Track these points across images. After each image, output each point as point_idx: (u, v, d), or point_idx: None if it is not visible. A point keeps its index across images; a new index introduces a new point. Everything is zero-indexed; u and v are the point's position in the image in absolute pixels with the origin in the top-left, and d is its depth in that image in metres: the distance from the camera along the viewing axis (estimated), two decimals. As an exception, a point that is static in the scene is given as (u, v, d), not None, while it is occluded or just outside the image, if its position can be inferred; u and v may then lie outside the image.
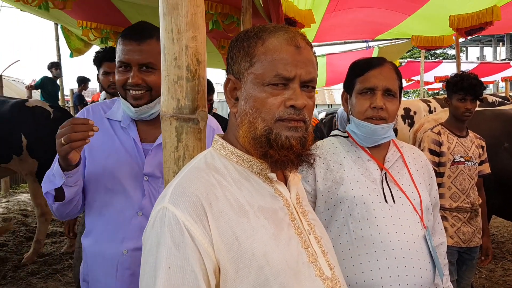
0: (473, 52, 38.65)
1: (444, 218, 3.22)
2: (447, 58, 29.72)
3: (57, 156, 1.81)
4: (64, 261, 5.48)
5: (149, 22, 1.87)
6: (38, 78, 9.64)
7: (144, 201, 1.80)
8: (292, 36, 1.15)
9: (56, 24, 8.50)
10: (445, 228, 3.15)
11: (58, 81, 9.39)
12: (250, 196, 1.13)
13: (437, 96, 8.72)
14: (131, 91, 1.78)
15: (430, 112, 6.67)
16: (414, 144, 4.46)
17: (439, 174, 3.24)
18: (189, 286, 1.00)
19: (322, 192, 1.81)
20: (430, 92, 23.09)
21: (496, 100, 7.42)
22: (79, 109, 9.23)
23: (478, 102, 3.35)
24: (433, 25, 6.65)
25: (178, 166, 1.31)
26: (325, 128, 10.08)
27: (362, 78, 1.81)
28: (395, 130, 6.38)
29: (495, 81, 19.32)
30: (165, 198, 1.08)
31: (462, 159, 3.24)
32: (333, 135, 1.98)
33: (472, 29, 5.78)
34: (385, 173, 1.81)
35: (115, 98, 2.02)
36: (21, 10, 7.07)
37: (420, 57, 13.01)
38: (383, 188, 1.77)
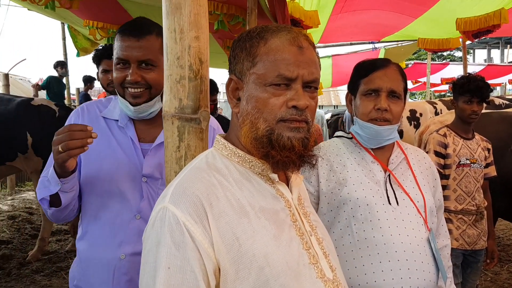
0: (480, 54, 38.49)
1: (449, 220, 3.20)
2: (454, 60, 29.60)
3: (50, 159, 1.74)
4: (68, 259, 5.50)
5: (154, 21, 1.85)
6: (45, 77, 9.68)
7: (143, 204, 1.74)
8: (294, 36, 1.14)
9: (63, 24, 8.53)
10: (450, 230, 3.13)
11: (64, 80, 9.43)
12: (251, 197, 1.13)
13: (443, 98, 8.68)
14: (129, 89, 1.72)
15: (436, 114, 6.64)
16: (419, 146, 4.44)
17: (444, 176, 3.22)
18: (188, 286, 0.99)
19: (325, 193, 1.80)
20: (436, 94, 23.01)
21: (503, 103, 7.37)
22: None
23: (484, 105, 3.33)
24: (440, 28, 6.62)
25: (180, 166, 1.31)
26: (331, 129, 10.07)
27: (367, 79, 1.80)
28: (401, 132, 6.36)
29: (503, 83, 19.21)
30: (165, 198, 1.07)
31: (468, 162, 3.22)
32: (337, 136, 1.97)
33: (479, 32, 5.75)
34: (389, 175, 1.80)
35: (111, 96, 1.95)
36: (28, 10, 7.11)
37: (426, 58, 12.95)
38: (386, 190, 1.76)
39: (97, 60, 3.65)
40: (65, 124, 1.78)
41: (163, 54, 1.67)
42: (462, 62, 7.09)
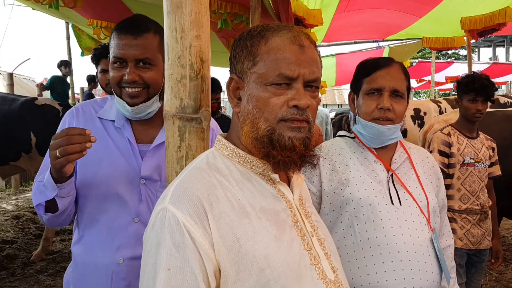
0: (485, 52, 38.31)
1: (453, 220, 3.18)
2: (458, 59, 29.51)
3: (44, 163, 1.72)
4: (72, 259, 5.50)
5: (158, 20, 1.82)
6: (49, 76, 9.70)
7: (141, 206, 1.69)
8: (295, 35, 1.13)
9: (67, 23, 8.55)
10: (455, 230, 3.12)
11: (68, 79, 9.44)
12: (252, 197, 1.12)
13: (447, 97, 8.64)
14: (127, 89, 1.67)
15: (441, 112, 6.61)
16: (423, 145, 4.42)
17: (448, 176, 3.21)
18: (189, 287, 0.99)
19: (328, 193, 1.79)
20: (441, 92, 22.93)
21: (508, 101, 7.34)
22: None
23: (489, 103, 3.31)
24: (445, 27, 6.59)
25: (181, 166, 1.30)
26: (334, 128, 10.05)
27: (369, 78, 1.78)
28: (405, 131, 6.34)
29: (508, 82, 19.12)
30: (165, 199, 1.07)
31: (472, 161, 3.20)
32: (339, 136, 1.96)
33: (484, 31, 5.71)
34: (392, 175, 1.79)
35: (106, 96, 1.89)
36: (32, 9, 7.12)
37: (431, 57, 12.91)
38: (389, 190, 1.75)
39: (95, 59, 3.64)
40: (59, 126, 1.78)
41: (161, 52, 1.66)
42: (467, 61, 7.05)
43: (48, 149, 1.48)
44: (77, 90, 10.89)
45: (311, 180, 1.81)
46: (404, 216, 1.71)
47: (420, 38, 7.68)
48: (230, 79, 1.20)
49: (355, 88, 1.86)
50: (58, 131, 1.73)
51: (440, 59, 26.63)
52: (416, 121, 6.58)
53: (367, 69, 1.81)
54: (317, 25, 5.30)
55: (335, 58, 11.61)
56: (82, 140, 1.43)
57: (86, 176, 1.69)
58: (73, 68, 9.33)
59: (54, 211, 1.62)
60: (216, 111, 4.29)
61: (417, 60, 16.66)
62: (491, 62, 21.41)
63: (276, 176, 1.16)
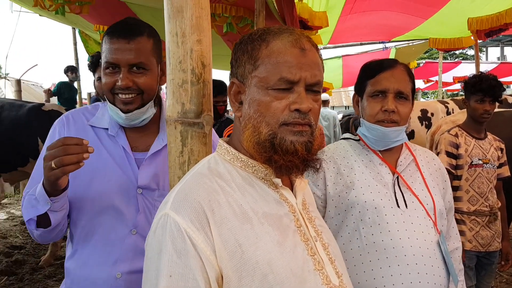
0: (493, 52, 38.05)
1: (462, 222, 3.16)
2: (466, 59, 29.35)
3: (34, 175, 1.65)
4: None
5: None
6: (57, 81, 9.75)
7: (139, 217, 1.63)
8: (296, 38, 1.12)
9: (74, 29, 8.59)
10: (463, 232, 3.09)
11: (75, 85, 9.48)
12: (254, 202, 1.11)
13: (455, 97, 8.58)
14: (120, 95, 1.60)
15: (448, 113, 6.56)
16: (431, 146, 4.39)
17: (456, 177, 3.18)
18: None
19: (333, 196, 1.77)
20: (449, 93, 22.80)
21: (516, 101, 7.27)
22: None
23: (497, 104, 3.28)
24: (451, 28, 6.55)
25: (183, 171, 1.29)
26: (342, 129, 10.01)
27: (373, 80, 1.77)
28: (412, 132, 6.29)
29: (516, 81, 18.95)
30: (167, 205, 1.06)
31: (480, 162, 3.17)
32: (344, 138, 1.95)
33: (492, 31, 5.67)
34: (397, 177, 1.77)
35: (97, 103, 1.80)
36: (39, 15, 7.17)
37: (438, 57, 12.84)
38: (395, 193, 1.73)
39: (92, 67, 3.63)
40: (49, 136, 1.72)
41: (155, 56, 1.63)
42: (474, 61, 6.99)
43: (42, 160, 1.41)
44: (84, 95, 10.94)
45: (315, 183, 1.80)
46: (410, 219, 1.69)
47: (427, 39, 7.64)
48: (231, 83, 1.19)
49: (360, 90, 1.85)
50: (47, 141, 1.72)
51: (447, 59, 26.52)
52: (424, 122, 6.54)
53: (371, 71, 1.80)
54: (322, 27, 5.29)
55: (341, 60, 11.58)
56: (79, 151, 1.36)
57: (80, 188, 1.62)
58: (80, 74, 9.36)
59: (46, 226, 1.55)
60: (222, 114, 4.29)
61: (424, 61, 16.58)
62: (499, 61, 21.25)
63: (278, 181, 1.15)
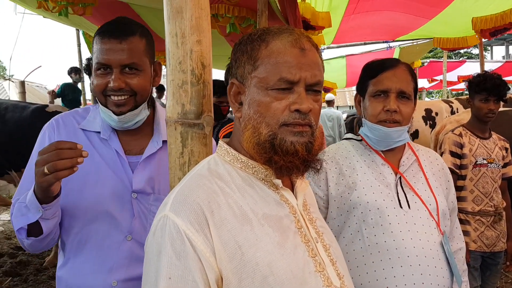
0: (498, 51, 37.86)
1: (466, 222, 3.14)
2: (471, 58, 29.21)
3: (24, 181, 1.60)
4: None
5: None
6: (61, 83, 9.77)
7: (134, 223, 1.58)
8: (296, 38, 1.11)
9: (77, 30, 8.60)
10: (468, 232, 3.07)
11: (80, 86, 9.50)
12: (254, 204, 1.10)
13: (459, 97, 8.54)
14: (112, 97, 1.55)
15: (453, 113, 6.52)
16: (436, 146, 4.37)
17: (461, 177, 3.16)
18: None
19: (335, 197, 1.76)
20: (454, 92, 22.71)
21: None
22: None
23: (501, 103, 3.25)
24: (455, 28, 6.52)
25: (184, 172, 1.29)
26: (346, 129, 10.00)
27: (375, 80, 1.76)
28: (416, 132, 6.26)
29: (521, 80, 18.85)
30: (166, 206, 1.06)
31: (485, 162, 3.15)
32: (346, 139, 1.94)
33: (496, 30, 5.64)
34: (400, 178, 1.76)
35: (88, 106, 1.75)
36: (43, 17, 7.19)
37: (443, 56, 12.78)
38: (397, 193, 1.72)
39: (89, 70, 3.63)
40: (38, 141, 1.68)
41: (147, 56, 1.60)
42: (479, 60, 6.96)
43: (32, 166, 1.36)
44: (88, 96, 10.96)
45: (318, 184, 1.79)
46: (413, 220, 1.67)
47: (431, 38, 7.61)
48: (231, 84, 1.18)
49: (361, 90, 1.83)
50: (37, 146, 1.66)
51: (452, 58, 26.41)
52: (428, 122, 6.50)
53: (372, 70, 1.78)
54: (324, 28, 5.27)
55: (345, 60, 11.54)
56: (73, 155, 1.31)
57: (72, 194, 1.56)
58: (84, 75, 9.37)
59: (38, 234, 1.48)
60: (226, 114, 4.27)
61: (428, 60, 16.52)
62: (504, 60, 21.16)
63: (278, 182, 1.14)
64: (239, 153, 1.16)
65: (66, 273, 1.60)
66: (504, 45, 35.72)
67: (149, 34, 1.65)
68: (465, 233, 3.11)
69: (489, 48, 35.21)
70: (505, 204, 3.24)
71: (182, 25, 1.28)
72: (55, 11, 5.41)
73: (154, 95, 10.65)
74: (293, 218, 1.14)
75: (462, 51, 30.35)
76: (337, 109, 11.05)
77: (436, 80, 17.03)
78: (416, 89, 1.78)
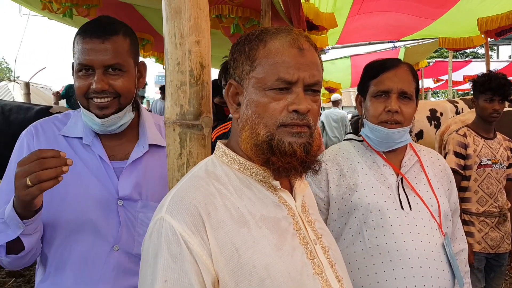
0: (505, 50, 37.65)
1: (471, 223, 3.12)
2: (477, 57, 29.07)
3: (0, 194, 1.48)
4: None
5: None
6: (66, 84, 9.80)
7: (120, 232, 1.49)
8: (295, 38, 1.10)
9: (82, 31, 8.60)
10: (472, 233, 3.05)
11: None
12: (251, 205, 1.09)
13: (464, 97, 8.49)
14: (95, 100, 1.47)
15: (457, 113, 6.48)
16: (440, 146, 4.34)
17: (465, 178, 3.14)
18: None
19: (336, 199, 1.75)
20: (460, 92, 22.61)
21: (527, 100, 7.15)
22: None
23: (506, 103, 3.23)
24: (461, 28, 6.48)
25: (182, 174, 1.28)
26: (351, 130, 9.96)
27: (376, 80, 1.74)
28: (421, 132, 6.23)
29: (528, 80, 18.68)
30: (163, 208, 1.05)
31: (489, 162, 3.13)
32: (347, 139, 1.92)
33: (503, 30, 5.60)
34: (402, 179, 1.74)
35: (68, 111, 1.66)
36: (48, 19, 7.21)
37: (448, 56, 12.71)
38: (399, 194, 1.71)
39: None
40: (16, 149, 1.58)
41: (132, 56, 1.54)
42: (485, 59, 6.92)
43: (10, 178, 1.27)
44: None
45: (318, 185, 1.78)
46: (414, 221, 1.66)
47: (437, 38, 7.57)
48: (229, 85, 1.17)
49: (362, 90, 1.82)
50: (14, 155, 1.57)
51: (458, 58, 26.29)
52: (433, 122, 6.46)
53: (374, 71, 1.77)
54: (327, 29, 5.25)
55: (350, 60, 11.51)
56: (57, 164, 1.22)
57: (53, 204, 1.45)
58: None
59: (18, 251, 1.38)
60: (228, 115, 4.26)
61: (434, 60, 16.44)
62: (511, 60, 21.03)
63: (277, 183, 1.13)
64: (237, 154, 1.15)
65: (47, 287, 1.50)
66: (510, 44, 35.54)
67: (133, 33, 1.58)
68: (469, 234, 3.09)
69: (495, 47, 35.04)
70: (509, 205, 3.22)
71: (180, 26, 1.27)
72: (60, 13, 5.43)
73: (158, 96, 10.63)
74: (291, 220, 1.13)
75: (468, 50, 30.19)
76: (342, 109, 10.98)
77: (442, 80, 16.95)
78: (417, 89, 1.77)
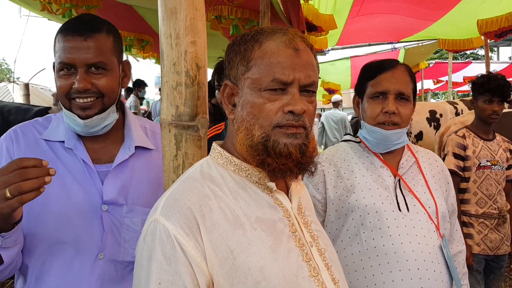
0: (505, 51, 37.64)
1: (470, 224, 3.11)
2: (477, 58, 29.06)
3: None
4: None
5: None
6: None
7: (105, 238, 1.42)
8: (290, 38, 1.10)
9: (82, 33, 8.60)
10: (471, 235, 3.05)
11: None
12: (246, 207, 1.08)
13: (464, 98, 8.48)
14: (77, 100, 1.41)
15: (457, 114, 6.46)
16: (440, 147, 4.33)
17: (464, 179, 3.14)
18: None
19: (333, 200, 1.74)
20: (460, 94, 22.61)
21: (527, 101, 7.14)
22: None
23: (506, 104, 3.22)
24: (461, 30, 6.48)
25: (178, 175, 1.27)
26: (352, 131, 9.96)
27: (374, 81, 1.74)
28: (420, 133, 6.22)
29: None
30: (157, 210, 1.04)
31: (489, 163, 3.12)
32: (344, 141, 1.91)
33: (503, 32, 5.60)
34: (399, 180, 1.74)
35: (49, 115, 1.59)
36: (48, 19, 7.21)
37: (448, 57, 12.70)
38: (396, 196, 1.70)
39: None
40: None
41: (115, 55, 1.49)
42: (485, 61, 6.91)
43: None
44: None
45: (316, 187, 1.77)
46: (412, 223, 1.65)
47: (436, 39, 7.57)
48: (225, 85, 1.17)
49: (360, 91, 1.82)
50: None
51: (458, 59, 26.29)
52: (432, 123, 6.44)
53: (371, 72, 1.76)
54: (325, 30, 5.25)
55: (349, 61, 11.51)
56: (39, 174, 1.14)
57: (33, 213, 1.37)
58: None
59: None
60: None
61: (434, 61, 16.42)
62: (511, 61, 21.03)
63: (272, 185, 1.12)
64: (232, 155, 1.14)
65: None
66: (510, 46, 35.53)
67: (116, 31, 1.53)
68: (469, 236, 3.08)
69: (495, 49, 35.02)
70: (509, 206, 3.21)
71: (176, 26, 1.26)
72: (59, 13, 5.42)
73: (158, 97, 10.59)
74: (287, 222, 1.12)
75: (468, 52, 30.20)
76: (342, 110, 10.97)
77: (442, 81, 16.94)
78: (415, 90, 1.76)
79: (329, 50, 9.21)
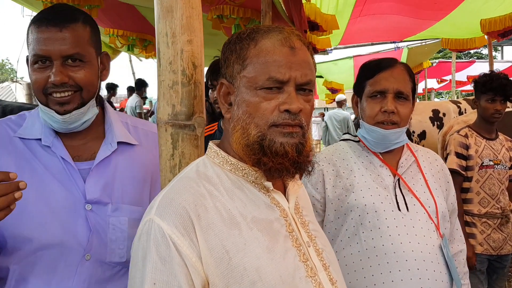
0: (509, 51, 37.53)
1: (473, 224, 3.09)
2: (481, 58, 28.94)
3: None
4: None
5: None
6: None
7: (91, 239, 1.35)
8: (286, 37, 1.09)
9: (84, 33, 8.61)
10: (474, 235, 3.03)
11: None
12: (243, 207, 1.07)
13: (467, 97, 8.45)
14: (54, 94, 1.33)
15: (460, 113, 6.44)
16: (443, 147, 4.31)
17: (467, 179, 3.12)
18: None
19: (332, 200, 1.73)
20: (464, 93, 22.54)
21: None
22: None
23: (508, 103, 3.20)
24: (464, 29, 6.45)
25: (174, 174, 1.26)
26: (354, 130, 9.94)
27: (372, 80, 1.72)
28: (423, 133, 6.20)
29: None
30: (152, 210, 1.03)
31: (491, 163, 3.10)
32: (344, 140, 1.90)
33: (506, 31, 5.57)
34: (398, 179, 1.72)
35: (23, 112, 1.49)
36: (50, 19, 7.21)
37: (452, 57, 12.67)
38: (396, 195, 1.69)
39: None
40: None
41: (93, 46, 1.42)
42: (488, 60, 6.88)
43: None
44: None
45: (315, 187, 1.76)
46: (411, 223, 1.64)
47: (440, 38, 7.54)
48: (220, 84, 1.16)
49: (358, 90, 1.80)
50: None
51: (462, 58, 26.19)
52: (435, 123, 6.43)
53: (369, 71, 1.75)
54: (329, 31, 5.23)
55: (352, 61, 11.49)
56: (7, 190, 1.05)
57: (12, 216, 1.23)
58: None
59: None
60: None
61: (437, 60, 16.37)
62: (515, 60, 20.91)
63: (269, 184, 1.11)
64: (228, 155, 1.13)
65: None
66: (514, 45, 35.35)
67: (93, 22, 1.45)
68: (471, 235, 3.07)
69: (499, 48, 34.88)
70: (512, 206, 3.19)
71: (172, 25, 1.25)
72: (61, 13, 5.42)
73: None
74: (284, 222, 1.11)
75: (472, 51, 30.06)
76: (346, 110, 10.96)
77: (445, 80, 16.88)
78: (414, 89, 1.75)
79: (332, 50, 9.20)
